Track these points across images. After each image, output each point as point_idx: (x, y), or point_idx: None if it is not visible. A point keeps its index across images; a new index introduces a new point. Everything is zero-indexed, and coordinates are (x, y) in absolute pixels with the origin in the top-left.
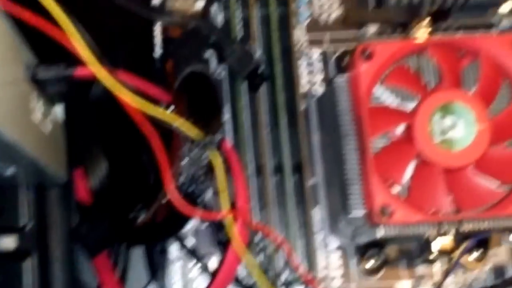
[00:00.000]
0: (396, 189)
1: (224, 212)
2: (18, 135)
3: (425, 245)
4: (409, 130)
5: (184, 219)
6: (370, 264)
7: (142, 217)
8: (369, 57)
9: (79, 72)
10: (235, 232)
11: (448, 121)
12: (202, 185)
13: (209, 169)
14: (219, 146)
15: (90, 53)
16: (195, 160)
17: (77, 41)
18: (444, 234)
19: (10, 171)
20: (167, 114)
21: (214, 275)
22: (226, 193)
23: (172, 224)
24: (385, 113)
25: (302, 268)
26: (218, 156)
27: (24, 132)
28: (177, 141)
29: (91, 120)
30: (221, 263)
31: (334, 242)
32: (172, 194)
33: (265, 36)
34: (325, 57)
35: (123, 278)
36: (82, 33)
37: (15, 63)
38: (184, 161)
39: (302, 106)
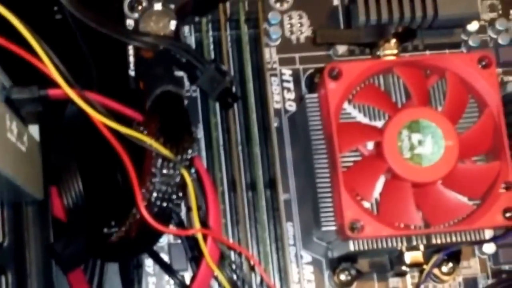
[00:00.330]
0: (366, 204)
1: (195, 229)
2: None
3: (397, 258)
4: (378, 146)
5: (157, 235)
6: (342, 277)
7: (116, 233)
8: (337, 76)
9: (52, 92)
10: (206, 248)
11: (416, 137)
12: (175, 202)
13: (182, 186)
14: (191, 164)
15: (59, 75)
16: (167, 178)
17: (47, 64)
18: (415, 248)
19: None
20: (138, 133)
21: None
22: (196, 210)
23: (145, 239)
24: (354, 129)
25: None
26: (188, 174)
27: (1, 151)
28: (150, 158)
29: (66, 139)
30: (193, 279)
31: (306, 257)
32: (143, 211)
33: (237, 56)
34: (296, 76)
35: None
36: (51, 55)
37: None
38: (157, 179)
39: (274, 124)
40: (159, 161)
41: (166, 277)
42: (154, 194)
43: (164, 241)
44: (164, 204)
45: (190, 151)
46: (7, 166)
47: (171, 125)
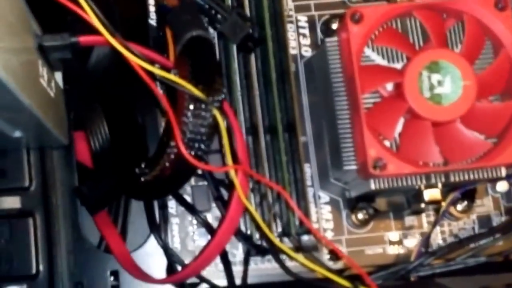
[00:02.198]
0: (387, 143)
1: (229, 166)
2: (31, 98)
3: (414, 197)
4: (399, 87)
5: (191, 173)
6: (360, 216)
7: (150, 172)
8: (359, 20)
9: (83, 39)
10: (238, 182)
11: (435, 78)
12: (207, 142)
13: (213, 127)
14: (221, 106)
15: (101, 22)
16: (200, 118)
17: (86, 9)
18: (433, 186)
19: (17, 133)
20: (172, 76)
21: (219, 225)
22: (229, 147)
23: (179, 177)
24: (375, 71)
25: (301, 214)
26: (220, 114)
27: (35, 96)
28: (182, 101)
29: (90, 86)
30: (225, 213)
31: (324, 197)
32: (182, 149)
33: (254, 2)
34: (311, 23)
35: (123, 233)
36: (89, 2)
37: (27, 31)
38: (190, 119)
39: (292, 69)
40: (192, 102)
41: (189, 218)
42: (188, 135)
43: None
44: (197, 145)
45: (221, 92)
46: (40, 109)
47: (202, 68)
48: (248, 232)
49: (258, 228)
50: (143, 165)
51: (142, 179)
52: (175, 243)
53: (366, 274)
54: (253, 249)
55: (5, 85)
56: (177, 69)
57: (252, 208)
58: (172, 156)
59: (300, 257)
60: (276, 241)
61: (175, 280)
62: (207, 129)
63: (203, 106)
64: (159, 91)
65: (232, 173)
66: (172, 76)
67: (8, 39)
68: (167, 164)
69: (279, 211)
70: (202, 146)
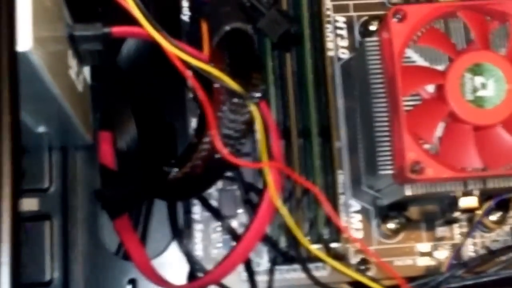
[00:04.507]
0: (426, 147)
1: (264, 162)
2: (61, 88)
3: (449, 205)
4: (440, 89)
5: (223, 170)
6: (391, 226)
7: (180, 170)
8: (401, 18)
9: (115, 30)
10: (271, 180)
11: (479, 80)
12: (242, 138)
13: (249, 123)
14: (258, 102)
15: (141, 12)
16: (236, 113)
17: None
18: (469, 193)
19: (41, 128)
20: (212, 68)
21: (246, 227)
22: (264, 143)
23: (211, 175)
24: (417, 72)
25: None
26: (257, 109)
27: (64, 86)
28: (218, 95)
29: (119, 83)
30: (255, 212)
31: (355, 205)
32: (218, 144)
33: (294, 1)
34: (350, 23)
35: (143, 239)
36: None
37: (60, 19)
38: (225, 114)
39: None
40: (229, 96)
41: (213, 224)
42: (223, 131)
43: (213, 187)
44: (231, 142)
45: (259, 88)
46: (68, 101)
47: (240, 62)
48: (275, 238)
49: (288, 232)
50: (172, 162)
51: (171, 176)
52: (197, 250)
53: (399, 277)
54: (279, 257)
55: (37, 72)
56: (214, 61)
57: (284, 209)
58: (205, 153)
59: (338, 264)
60: (310, 245)
61: (197, 286)
62: (243, 126)
63: (240, 101)
64: (195, 82)
65: (265, 170)
66: (210, 68)
67: (43, 24)
68: (199, 161)
69: (308, 215)
70: (237, 144)
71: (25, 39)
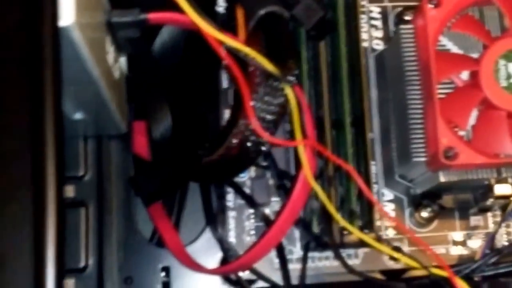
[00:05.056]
0: (459, 133)
1: (298, 141)
2: (100, 72)
3: (482, 194)
4: (474, 75)
5: (259, 151)
6: (424, 214)
7: (216, 152)
8: (437, 4)
9: (152, 16)
10: (305, 158)
11: None
12: (276, 120)
13: (282, 107)
14: (293, 85)
15: None
16: (271, 96)
17: None
18: (503, 181)
19: (78, 115)
20: (248, 49)
21: (280, 210)
22: (298, 123)
23: (246, 156)
24: (451, 58)
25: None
26: (292, 91)
27: (102, 71)
28: (253, 78)
29: (155, 72)
30: (289, 193)
31: (388, 195)
32: (254, 123)
33: None
34: (384, 14)
35: (177, 225)
36: None
37: (99, 5)
38: (260, 97)
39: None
40: (264, 78)
41: (246, 212)
42: (257, 113)
43: (245, 176)
44: (265, 125)
45: (294, 71)
46: (106, 86)
47: (276, 45)
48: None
49: (321, 217)
50: (206, 145)
51: (206, 159)
52: (230, 237)
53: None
54: (313, 242)
55: (77, 49)
56: (250, 44)
57: (319, 189)
58: (240, 135)
59: (383, 246)
60: (351, 227)
61: (230, 269)
62: (278, 109)
63: (275, 83)
64: (233, 62)
65: (300, 149)
66: (247, 49)
67: (83, 5)
68: (234, 142)
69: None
70: (271, 127)
71: (67, 14)
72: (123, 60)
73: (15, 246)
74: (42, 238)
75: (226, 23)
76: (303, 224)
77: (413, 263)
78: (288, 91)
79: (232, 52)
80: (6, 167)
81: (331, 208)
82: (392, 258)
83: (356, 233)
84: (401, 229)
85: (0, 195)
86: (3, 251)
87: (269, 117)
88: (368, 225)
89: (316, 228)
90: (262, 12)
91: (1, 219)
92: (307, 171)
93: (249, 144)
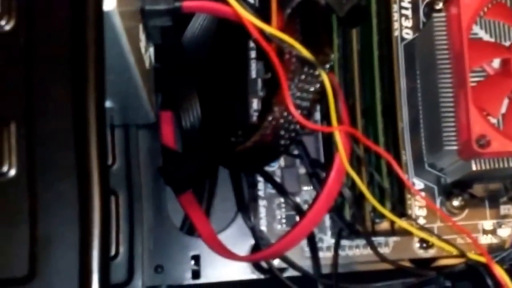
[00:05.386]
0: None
1: (334, 126)
2: (134, 58)
3: None
4: (506, 64)
5: (293, 138)
6: (455, 203)
7: (250, 139)
8: None
9: (186, 4)
10: (341, 143)
11: None
12: (310, 111)
13: (318, 94)
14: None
15: None
16: (307, 84)
17: None
18: None
19: (108, 104)
20: (284, 35)
21: (314, 198)
22: (334, 108)
23: (280, 143)
24: (483, 46)
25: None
26: (327, 76)
27: (136, 58)
28: (289, 65)
29: (184, 62)
30: (324, 180)
31: (418, 184)
32: (291, 108)
33: None
34: (415, 4)
35: (208, 213)
36: None
37: None
38: (296, 84)
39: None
40: (300, 65)
41: (277, 201)
42: (293, 100)
43: (275, 165)
44: (300, 111)
45: (329, 58)
46: (139, 73)
47: (312, 32)
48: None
49: (354, 204)
50: (239, 133)
51: (240, 146)
52: (261, 225)
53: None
54: (345, 229)
55: (117, 35)
56: (286, 31)
57: (354, 173)
58: (275, 122)
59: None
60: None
61: (262, 257)
62: (312, 95)
63: (311, 70)
64: (270, 48)
65: (336, 134)
66: (283, 35)
67: None
68: (268, 130)
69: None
70: (306, 114)
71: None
72: (151, 50)
73: (61, 225)
74: (88, 218)
75: (259, 12)
76: (336, 211)
77: (448, 247)
78: (324, 78)
79: (268, 39)
80: (54, 149)
81: (367, 193)
82: (422, 247)
83: (389, 216)
84: (434, 209)
85: (48, 175)
86: (50, 230)
87: (304, 104)
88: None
89: (348, 216)
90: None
91: (49, 198)
92: (343, 156)
93: (283, 132)
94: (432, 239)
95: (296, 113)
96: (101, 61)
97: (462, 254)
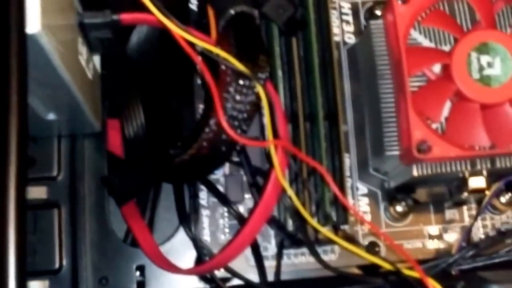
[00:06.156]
0: (433, 126)
1: (269, 141)
2: (71, 74)
3: (457, 188)
4: (446, 68)
5: (229, 151)
6: (399, 208)
7: (187, 152)
8: (405, 1)
9: (124, 17)
10: (277, 159)
11: (485, 59)
12: (248, 119)
13: (254, 105)
14: (264, 83)
15: None
16: (242, 95)
17: None
18: (478, 173)
19: (51, 116)
20: (218, 50)
21: (252, 209)
22: (270, 122)
23: (217, 156)
24: (422, 52)
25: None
26: (263, 90)
27: (74, 73)
28: (224, 75)
29: (129, 71)
30: (261, 194)
31: (362, 189)
32: (223, 122)
33: None
34: (355, 9)
35: (151, 225)
36: None
37: (69, 7)
38: (231, 96)
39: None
40: (235, 77)
41: (220, 210)
42: (229, 111)
43: (219, 173)
44: (237, 123)
45: (265, 70)
46: (78, 87)
47: (246, 44)
48: (282, 221)
49: (295, 215)
50: (178, 145)
51: (178, 159)
52: (204, 235)
53: (411, 258)
54: (287, 239)
55: (46, 55)
56: (220, 44)
57: (290, 188)
58: (211, 134)
59: (349, 245)
60: (319, 226)
61: (205, 269)
62: (249, 107)
63: (246, 82)
64: (202, 64)
65: (271, 149)
66: (216, 49)
67: (52, 9)
68: (205, 142)
69: (315, 196)
70: (243, 125)
71: (34, 22)
72: (97, 59)
73: None
74: (3, 243)
75: (199, 21)
76: (277, 222)
77: (383, 264)
78: (259, 90)
79: (203, 51)
80: None
81: (303, 211)
82: (369, 251)
83: (328, 235)
84: (376, 231)
85: None
86: None
87: (241, 115)
88: (344, 221)
89: (290, 226)
90: (231, 12)
91: None
92: (278, 172)
93: (220, 143)
94: (365, 255)
95: (228, 127)
96: (24, 86)
97: (396, 270)
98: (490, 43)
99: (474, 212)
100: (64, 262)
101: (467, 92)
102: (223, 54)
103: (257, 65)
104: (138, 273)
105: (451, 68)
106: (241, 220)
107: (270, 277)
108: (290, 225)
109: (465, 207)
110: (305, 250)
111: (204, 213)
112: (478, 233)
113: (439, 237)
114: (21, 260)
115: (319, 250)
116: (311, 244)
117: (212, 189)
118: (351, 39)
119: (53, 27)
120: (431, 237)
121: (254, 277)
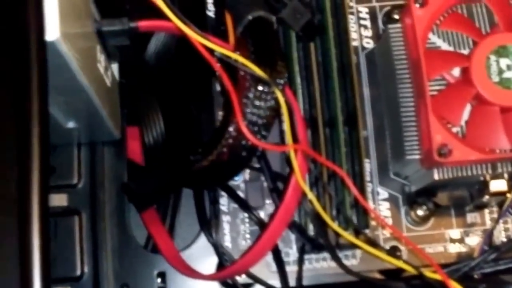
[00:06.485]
0: (453, 130)
1: (289, 145)
2: (90, 81)
3: (478, 191)
4: (466, 72)
5: (250, 156)
6: (420, 212)
7: (207, 158)
8: (423, 3)
9: (142, 24)
10: (297, 163)
11: (504, 62)
12: (267, 124)
13: (273, 110)
14: (283, 88)
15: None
16: (261, 101)
17: None
18: (499, 176)
19: (70, 124)
20: (236, 55)
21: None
22: (289, 127)
23: (237, 161)
24: (441, 56)
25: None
26: (282, 95)
27: (93, 80)
28: (243, 81)
29: (147, 79)
30: (281, 199)
31: (383, 193)
32: (243, 128)
33: None
34: (373, 14)
35: (171, 231)
36: None
37: (88, 15)
38: (250, 101)
39: (353, 60)
40: (254, 83)
41: (241, 216)
42: (248, 117)
43: (240, 179)
44: (256, 128)
45: (283, 75)
46: (97, 95)
47: (264, 50)
48: (303, 226)
49: (315, 219)
50: (199, 151)
51: (197, 165)
52: (225, 241)
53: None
54: (308, 244)
55: (65, 62)
56: (238, 49)
57: (310, 192)
58: (231, 140)
59: (372, 248)
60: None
61: (226, 275)
62: (269, 112)
63: (265, 87)
64: (221, 70)
65: (291, 153)
66: (235, 55)
67: (70, 17)
68: (224, 148)
69: (335, 200)
70: (262, 131)
71: (53, 29)
72: (115, 67)
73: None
74: (27, 249)
75: (217, 28)
76: (298, 227)
77: (406, 267)
78: (278, 95)
79: (222, 57)
80: None
81: (324, 215)
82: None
83: (350, 239)
84: (397, 235)
85: None
86: None
87: (260, 121)
88: (365, 225)
89: (311, 231)
90: (249, 17)
91: None
92: (298, 176)
93: (240, 148)
94: (388, 258)
95: (248, 132)
96: (44, 94)
97: (419, 274)
98: (509, 46)
99: (495, 215)
100: (86, 269)
101: (487, 95)
102: (241, 59)
103: (276, 71)
104: (159, 279)
105: (470, 72)
106: (262, 226)
107: (292, 282)
108: (311, 229)
109: (486, 210)
110: (326, 255)
111: (225, 219)
112: (500, 236)
113: (461, 240)
114: (46, 268)
115: (340, 255)
116: (333, 249)
117: (233, 195)
118: (369, 44)
119: (71, 34)
120: (452, 241)
121: (275, 282)
